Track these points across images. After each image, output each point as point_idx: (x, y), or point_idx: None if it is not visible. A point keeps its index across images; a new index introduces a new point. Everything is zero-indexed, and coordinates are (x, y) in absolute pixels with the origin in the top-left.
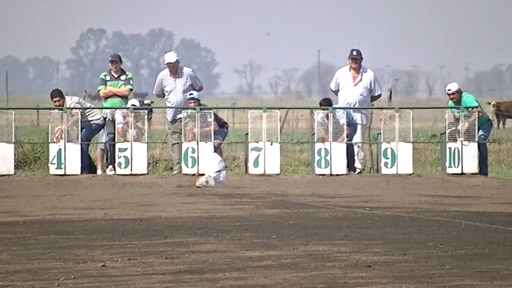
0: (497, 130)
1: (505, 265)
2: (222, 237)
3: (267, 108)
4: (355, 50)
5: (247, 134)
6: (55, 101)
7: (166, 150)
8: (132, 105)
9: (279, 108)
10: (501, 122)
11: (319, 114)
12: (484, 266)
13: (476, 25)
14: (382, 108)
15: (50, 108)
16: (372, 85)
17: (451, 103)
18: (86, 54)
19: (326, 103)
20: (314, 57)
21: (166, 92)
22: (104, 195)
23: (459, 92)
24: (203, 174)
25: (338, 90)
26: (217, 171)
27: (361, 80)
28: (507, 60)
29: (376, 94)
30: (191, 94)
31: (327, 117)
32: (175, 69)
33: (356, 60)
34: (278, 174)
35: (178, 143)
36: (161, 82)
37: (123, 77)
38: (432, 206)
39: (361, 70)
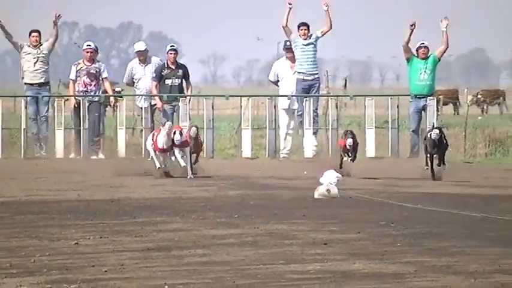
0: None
1: (453, 243)
2: (187, 216)
3: (230, 95)
4: (288, 41)
5: (212, 119)
6: (33, 36)
7: (135, 135)
8: (87, 45)
9: (241, 96)
10: (483, 111)
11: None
12: (433, 243)
13: (426, 16)
14: (337, 96)
15: (26, 96)
16: None
17: (415, 58)
18: (59, 45)
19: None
20: (274, 48)
21: (136, 79)
22: (77, 177)
23: (428, 49)
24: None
25: (277, 80)
26: (337, 177)
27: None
28: (455, 51)
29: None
30: (172, 46)
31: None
32: (144, 58)
33: (290, 49)
34: (249, 158)
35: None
36: (131, 70)
37: None
38: (385, 188)
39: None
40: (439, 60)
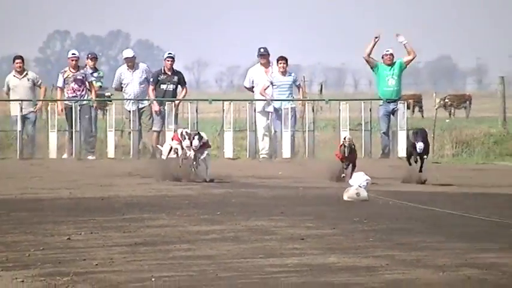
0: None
1: (422, 238)
2: (173, 213)
3: (213, 100)
4: (262, 48)
5: (196, 122)
6: (17, 63)
7: (124, 136)
8: (72, 54)
9: (223, 100)
10: (451, 114)
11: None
12: (403, 239)
13: (397, 24)
14: (314, 100)
15: (21, 100)
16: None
17: (381, 65)
18: (52, 53)
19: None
20: (254, 55)
21: (124, 84)
22: (70, 176)
23: (393, 56)
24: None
25: (252, 87)
26: (367, 180)
27: (272, 72)
28: (424, 58)
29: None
30: (170, 54)
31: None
32: (132, 64)
33: (264, 56)
34: (231, 158)
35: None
36: (120, 76)
37: (95, 74)
38: None
39: (270, 64)
40: (406, 67)
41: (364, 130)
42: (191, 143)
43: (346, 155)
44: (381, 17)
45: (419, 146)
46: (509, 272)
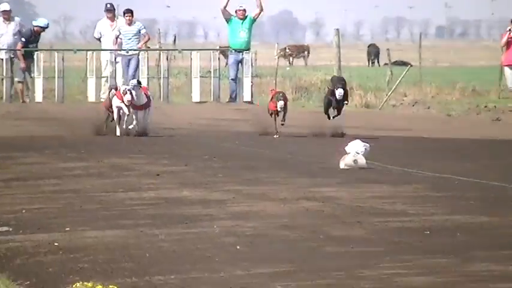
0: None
1: (268, 174)
2: (42, 152)
3: (77, 50)
4: (108, 3)
5: (62, 70)
6: None
7: None
8: None
9: (87, 50)
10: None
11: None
12: (250, 175)
13: None
14: (168, 50)
15: None
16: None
17: (234, 19)
18: None
19: None
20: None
21: None
22: None
23: (245, 11)
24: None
25: (100, 37)
26: (364, 146)
27: (116, 26)
28: (266, 13)
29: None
30: (48, 24)
31: None
32: (8, 17)
33: (110, 10)
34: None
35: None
36: None
37: None
38: (208, 127)
39: (115, 19)
40: (255, 20)
41: (213, 77)
42: (131, 97)
43: (279, 109)
44: None
45: (339, 92)
46: (343, 204)
